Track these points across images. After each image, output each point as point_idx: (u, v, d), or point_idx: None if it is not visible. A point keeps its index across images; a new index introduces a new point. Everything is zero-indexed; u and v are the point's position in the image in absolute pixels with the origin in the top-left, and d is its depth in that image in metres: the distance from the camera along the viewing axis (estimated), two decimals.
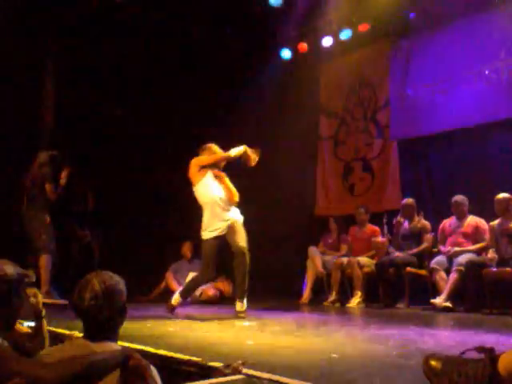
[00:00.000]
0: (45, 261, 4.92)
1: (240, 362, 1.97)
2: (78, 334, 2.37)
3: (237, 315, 4.15)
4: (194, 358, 2.10)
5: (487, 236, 5.19)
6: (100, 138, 6.71)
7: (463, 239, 5.31)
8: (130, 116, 6.93)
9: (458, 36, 6.26)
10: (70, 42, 6.39)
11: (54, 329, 2.81)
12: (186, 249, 6.62)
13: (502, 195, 5.02)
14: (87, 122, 6.62)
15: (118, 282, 1.73)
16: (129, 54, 6.64)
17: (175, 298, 4.34)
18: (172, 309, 4.32)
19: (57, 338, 2.56)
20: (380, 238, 5.91)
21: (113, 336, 1.73)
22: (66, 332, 2.74)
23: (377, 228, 6.10)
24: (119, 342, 2.30)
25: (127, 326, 3.05)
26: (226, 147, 4.53)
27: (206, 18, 6.77)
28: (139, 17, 6.49)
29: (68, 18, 6.23)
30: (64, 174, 5.29)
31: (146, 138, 7.06)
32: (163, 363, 2.15)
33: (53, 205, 5.21)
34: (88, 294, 1.66)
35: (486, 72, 5.98)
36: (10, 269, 1.77)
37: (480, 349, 1.33)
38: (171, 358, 2.19)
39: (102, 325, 1.68)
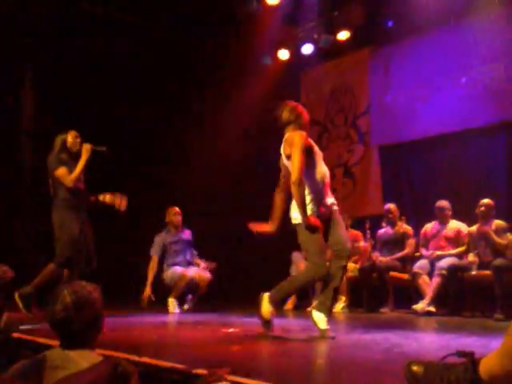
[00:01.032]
0: (47, 268, 4.21)
1: (225, 368, 1.95)
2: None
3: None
4: (178, 366, 2.08)
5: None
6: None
7: (445, 243, 5.39)
8: (107, 123, 6.83)
9: (435, 44, 6.38)
10: (49, 49, 6.32)
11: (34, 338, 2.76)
12: (174, 215, 5.86)
13: (488, 200, 5.10)
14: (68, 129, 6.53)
15: (91, 292, 1.72)
16: (107, 57, 6.58)
17: (265, 310, 3.25)
18: (266, 322, 3.27)
19: (37, 349, 2.52)
20: (362, 243, 5.96)
21: (89, 345, 1.72)
22: (46, 341, 2.69)
23: (358, 233, 6.14)
24: (103, 351, 2.28)
25: (112, 334, 3.03)
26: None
27: (188, 23, 6.78)
28: (120, 20, 6.47)
29: (47, 26, 6.16)
30: (84, 151, 4.27)
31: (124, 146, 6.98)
32: (147, 371, 2.12)
33: (80, 197, 4.30)
34: (59, 306, 1.66)
35: (463, 80, 6.11)
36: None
37: (461, 353, 1.34)
38: (155, 365, 2.17)
39: (76, 335, 1.67)
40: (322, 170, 3.29)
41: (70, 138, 4.36)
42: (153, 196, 6.54)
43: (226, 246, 6.83)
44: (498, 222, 5.02)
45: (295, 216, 3.22)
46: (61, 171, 4.23)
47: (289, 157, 3.19)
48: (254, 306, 3.63)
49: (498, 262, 4.66)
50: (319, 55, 7.28)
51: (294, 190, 3.09)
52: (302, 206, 3.10)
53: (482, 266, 4.97)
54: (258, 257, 6.81)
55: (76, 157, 4.31)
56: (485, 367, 1.26)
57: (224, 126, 7.04)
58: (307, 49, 7.16)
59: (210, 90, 7.17)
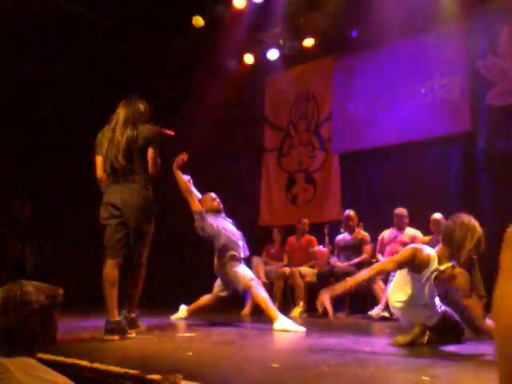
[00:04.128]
0: (139, 278, 3.51)
1: (179, 374, 1.94)
2: None
3: None
4: (132, 371, 2.05)
5: None
6: (34, 140, 6.44)
7: (401, 249, 5.50)
8: (64, 117, 6.66)
9: (396, 55, 6.56)
10: None
11: None
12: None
13: (438, 216, 5.29)
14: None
15: (26, 292, 1.63)
16: (71, 64, 6.44)
17: None
18: None
19: None
20: (317, 248, 6.03)
21: (25, 351, 1.63)
22: None
23: (313, 238, 6.22)
24: (55, 357, 2.22)
25: (62, 339, 2.94)
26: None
27: (153, 26, 6.71)
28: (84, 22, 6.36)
29: None
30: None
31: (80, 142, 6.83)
32: (99, 377, 2.08)
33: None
34: None
35: (423, 91, 6.29)
36: (36, 295, 1.64)
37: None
38: (107, 371, 2.12)
39: (5, 337, 1.60)
40: None
41: None
42: None
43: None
44: None
45: None
46: (156, 154, 3.38)
47: None
48: (210, 311, 3.59)
49: None
50: (284, 61, 7.36)
51: None
52: None
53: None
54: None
55: None
56: None
57: (185, 132, 7.01)
58: (272, 54, 7.22)
59: (171, 93, 7.12)
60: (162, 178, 3.51)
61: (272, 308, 4.06)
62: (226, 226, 4.52)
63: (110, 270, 3.29)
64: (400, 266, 2.99)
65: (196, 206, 4.42)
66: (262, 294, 4.16)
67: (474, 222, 2.95)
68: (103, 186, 3.44)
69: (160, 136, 3.44)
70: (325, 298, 2.88)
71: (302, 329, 3.82)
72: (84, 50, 6.41)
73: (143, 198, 3.35)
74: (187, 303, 4.95)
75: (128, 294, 3.50)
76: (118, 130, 3.35)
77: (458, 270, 2.92)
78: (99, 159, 3.43)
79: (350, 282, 2.96)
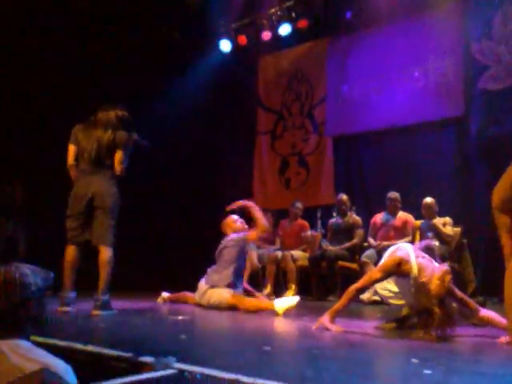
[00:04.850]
0: (107, 255, 3.81)
1: (171, 356, 1.95)
2: None
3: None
4: (124, 354, 2.06)
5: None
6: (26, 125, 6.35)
7: (393, 233, 5.56)
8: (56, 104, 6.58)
9: (391, 37, 6.51)
10: None
11: None
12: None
13: (429, 200, 5.36)
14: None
15: (25, 274, 1.62)
16: (59, 42, 6.32)
17: None
18: None
19: None
20: (309, 232, 6.04)
21: (20, 333, 1.62)
22: None
23: (305, 222, 6.23)
24: (45, 340, 2.23)
25: (55, 322, 2.95)
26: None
27: (145, 8, 6.60)
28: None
29: None
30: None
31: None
32: (92, 360, 2.09)
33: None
34: None
35: (416, 73, 6.26)
36: (33, 277, 1.64)
37: None
38: (100, 354, 2.13)
39: (3, 319, 1.59)
40: None
41: None
42: None
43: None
44: (445, 220, 5.27)
45: None
46: (122, 156, 3.96)
47: None
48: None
49: (442, 250, 4.85)
50: (278, 42, 7.29)
51: None
52: None
53: None
54: (210, 245, 6.82)
55: None
56: None
57: (177, 114, 6.95)
58: (266, 35, 7.15)
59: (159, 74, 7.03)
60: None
61: (262, 304, 4.12)
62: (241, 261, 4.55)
63: (72, 253, 3.88)
64: (387, 273, 3.02)
65: (255, 238, 4.56)
66: (246, 300, 4.20)
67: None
68: (73, 172, 4.02)
69: (132, 143, 4.02)
70: (325, 321, 2.96)
71: (297, 298, 3.99)
72: (71, 35, 6.29)
73: (110, 187, 3.95)
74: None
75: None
76: (99, 130, 3.96)
77: None
78: (72, 148, 4.00)
79: (343, 300, 3.02)
